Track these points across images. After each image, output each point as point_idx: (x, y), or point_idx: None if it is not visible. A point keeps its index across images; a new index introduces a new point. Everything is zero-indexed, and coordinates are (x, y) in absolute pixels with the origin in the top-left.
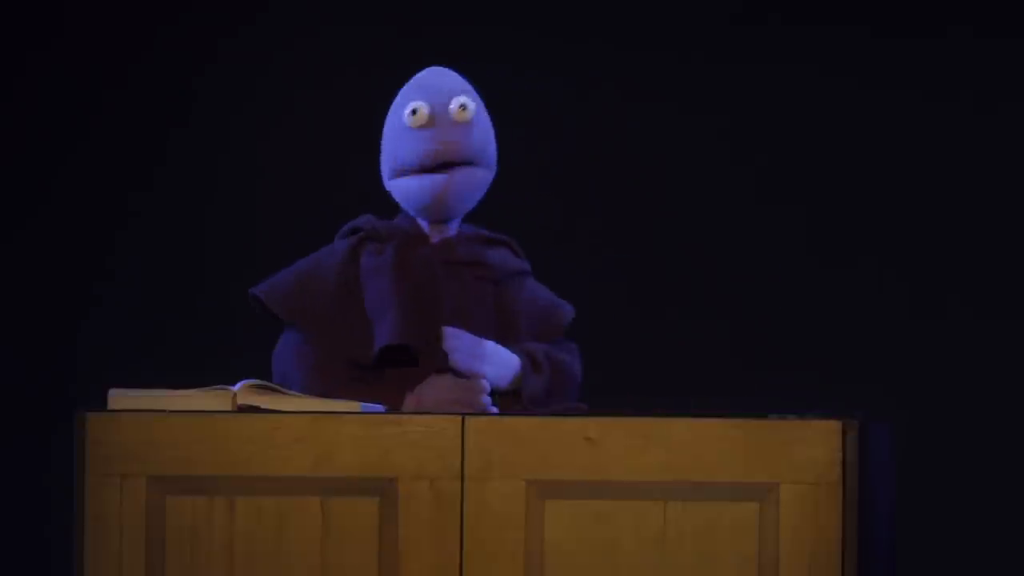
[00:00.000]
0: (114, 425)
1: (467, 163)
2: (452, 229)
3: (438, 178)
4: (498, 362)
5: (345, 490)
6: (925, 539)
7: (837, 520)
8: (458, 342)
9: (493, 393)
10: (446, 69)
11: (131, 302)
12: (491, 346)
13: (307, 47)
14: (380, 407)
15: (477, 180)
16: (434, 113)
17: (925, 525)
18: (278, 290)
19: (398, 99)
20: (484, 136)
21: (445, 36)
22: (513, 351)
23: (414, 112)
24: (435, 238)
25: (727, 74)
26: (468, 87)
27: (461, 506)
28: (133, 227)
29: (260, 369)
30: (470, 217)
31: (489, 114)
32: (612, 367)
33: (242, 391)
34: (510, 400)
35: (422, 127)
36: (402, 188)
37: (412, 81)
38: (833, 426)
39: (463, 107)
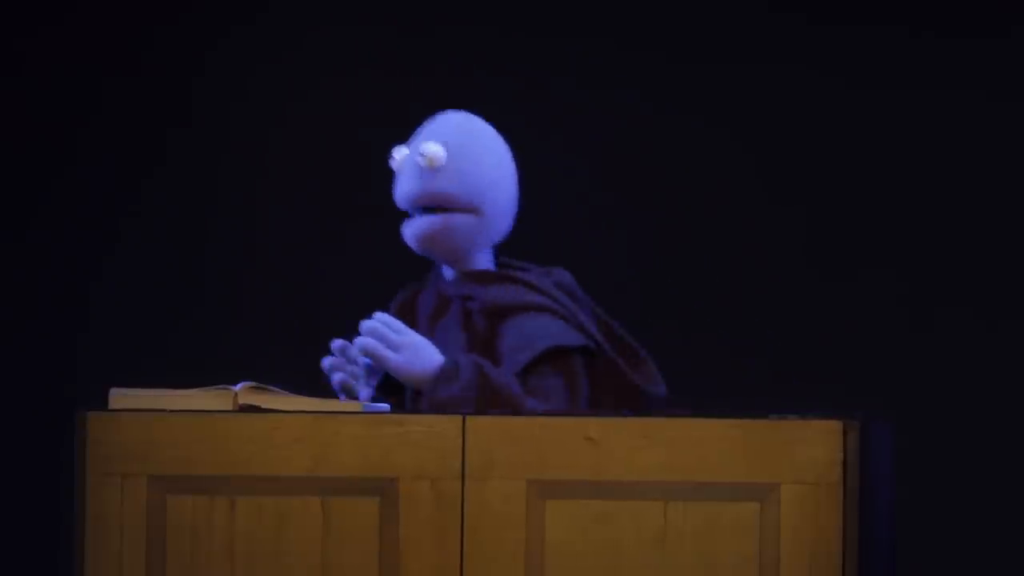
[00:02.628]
0: (114, 425)
1: (446, 209)
2: (475, 265)
3: (413, 222)
4: (413, 355)
5: (345, 490)
6: (925, 539)
7: (837, 520)
8: (376, 324)
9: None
10: (452, 115)
11: (131, 302)
12: (415, 339)
13: (307, 48)
14: (383, 406)
15: (459, 226)
16: (407, 157)
17: (925, 525)
18: None
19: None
20: (464, 180)
21: (447, 39)
22: (457, 358)
23: (393, 157)
24: (449, 276)
25: (731, 77)
26: (463, 132)
27: (462, 506)
28: (133, 227)
29: (260, 368)
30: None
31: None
32: None
33: (243, 391)
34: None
35: (399, 170)
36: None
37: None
38: (833, 426)
39: (427, 154)
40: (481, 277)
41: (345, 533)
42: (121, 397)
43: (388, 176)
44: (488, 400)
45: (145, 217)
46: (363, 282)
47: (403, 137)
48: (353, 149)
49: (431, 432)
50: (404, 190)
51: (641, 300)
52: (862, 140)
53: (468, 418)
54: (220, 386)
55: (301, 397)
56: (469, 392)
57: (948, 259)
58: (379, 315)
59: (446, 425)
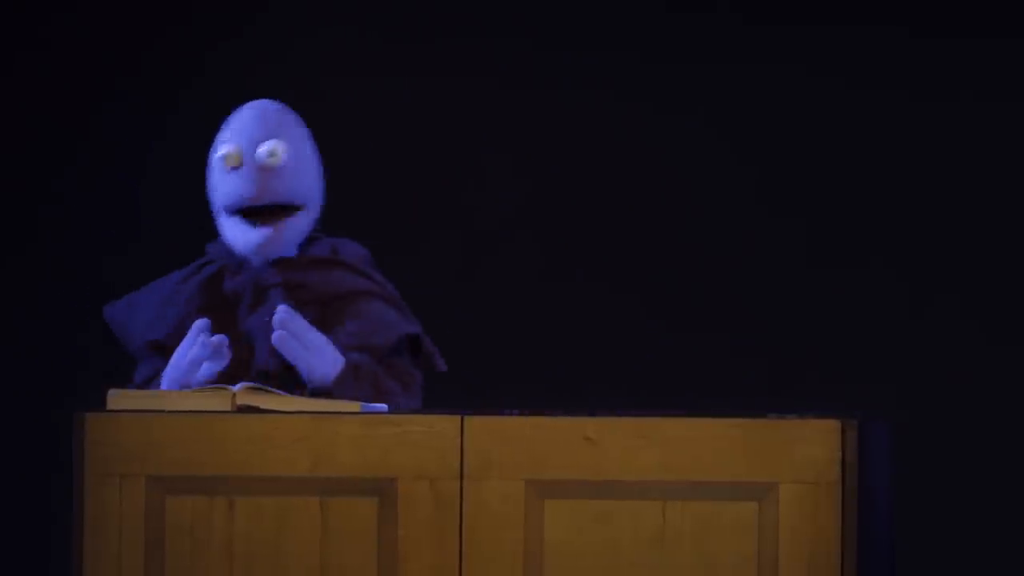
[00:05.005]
0: (113, 425)
1: (283, 207)
2: (285, 253)
3: (259, 232)
4: (321, 356)
5: (344, 490)
6: (924, 538)
7: (836, 519)
8: (287, 318)
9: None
10: (267, 105)
11: None
12: (319, 338)
13: (305, 51)
14: (381, 407)
15: (297, 227)
16: (244, 156)
17: (924, 524)
18: (116, 309)
19: (218, 136)
20: (300, 177)
21: (443, 42)
22: (358, 361)
23: (225, 156)
24: (258, 263)
25: (726, 75)
26: (286, 125)
27: (460, 506)
28: (133, 226)
29: None
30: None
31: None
32: (612, 366)
33: (241, 391)
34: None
35: (235, 168)
36: (228, 230)
37: (231, 118)
38: (832, 425)
39: (272, 153)
40: (305, 265)
41: (344, 533)
42: (119, 397)
43: (387, 177)
44: (376, 399)
45: (145, 216)
46: None
47: (402, 138)
48: (352, 149)
49: (430, 432)
50: (241, 190)
51: (641, 300)
52: (862, 141)
53: (466, 418)
54: (219, 386)
55: (299, 397)
56: (368, 392)
57: (948, 259)
58: (285, 308)
59: (445, 425)
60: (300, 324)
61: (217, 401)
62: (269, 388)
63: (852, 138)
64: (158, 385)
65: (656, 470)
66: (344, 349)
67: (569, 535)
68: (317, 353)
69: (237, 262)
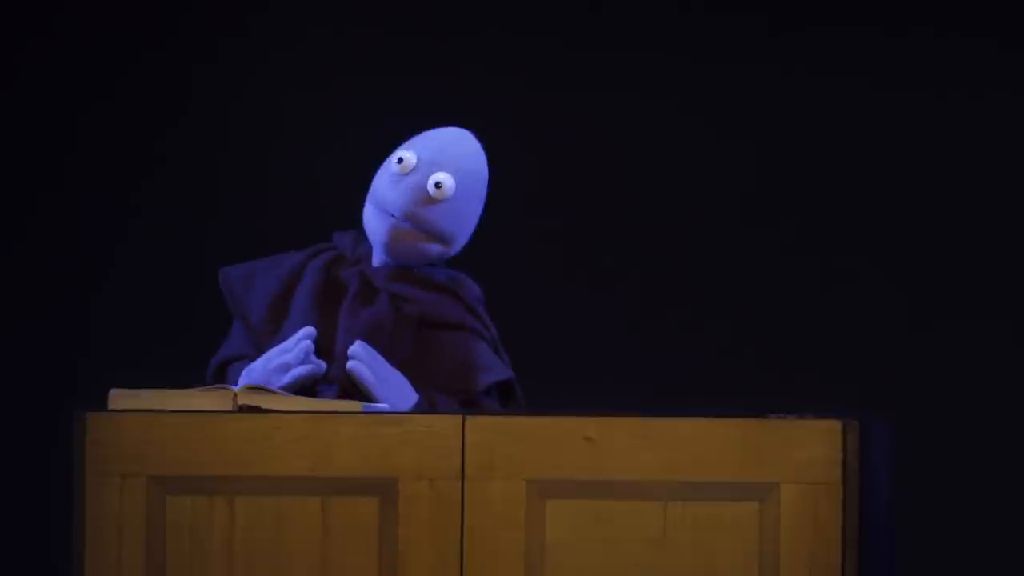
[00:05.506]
0: (114, 425)
1: (424, 232)
2: (403, 265)
3: (391, 221)
4: (397, 391)
5: (345, 490)
6: (925, 538)
7: (837, 520)
8: (363, 352)
9: None
10: (465, 138)
11: (131, 302)
12: (395, 374)
13: (308, 50)
14: (382, 406)
15: (425, 252)
16: (416, 172)
17: (925, 525)
18: (233, 273)
19: (412, 138)
20: (453, 218)
21: (444, 42)
22: (434, 399)
23: (401, 159)
24: (377, 261)
25: (726, 75)
26: (470, 164)
27: (461, 506)
28: (133, 226)
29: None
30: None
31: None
32: (612, 366)
33: (242, 391)
34: None
35: (402, 175)
36: (368, 215)
37: (431, 130)
38: (833, 426)
39: (440, 185)
40: (422, 282)
41: (345, 533)
42: (121, 397)
43: None
44: None
45: (145, 216)
46: None
47: (402, 138)
48: (352, 149)
49: (431, 432)
50: (396, 199)
51: (641, 299)
52: (861, 141)
53: (468, 418)
54: (219, 386)
55: (300, 397)
56: None
57: (948, 259)
58: (362, 344)
59: (446, 425)
60: (376, 359)
61: (218, 401)
62: (269, 388)
63: (852, 138)
64: (237, 371)
65: (657, 470)
66: (437, 382)
67: (570, 535)
68: (392, 387)
69: (356, 256)
